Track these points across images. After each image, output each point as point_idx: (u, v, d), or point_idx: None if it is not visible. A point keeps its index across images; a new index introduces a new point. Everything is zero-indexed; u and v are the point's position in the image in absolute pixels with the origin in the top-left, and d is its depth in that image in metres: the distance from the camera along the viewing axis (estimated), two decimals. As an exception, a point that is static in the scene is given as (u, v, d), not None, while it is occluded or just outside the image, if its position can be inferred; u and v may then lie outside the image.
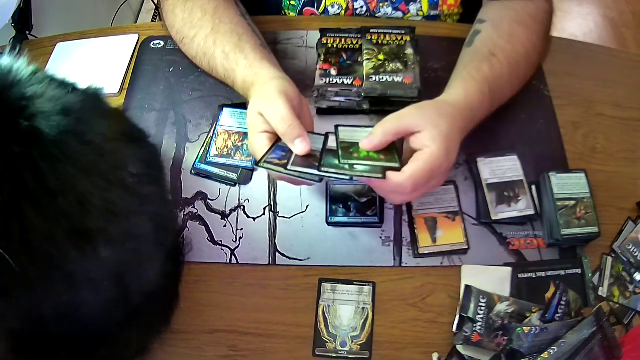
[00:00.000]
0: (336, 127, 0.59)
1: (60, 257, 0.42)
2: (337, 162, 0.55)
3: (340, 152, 0.56)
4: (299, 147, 0.55)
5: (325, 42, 0.76)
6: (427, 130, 0.55)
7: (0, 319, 0.44)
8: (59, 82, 0.47)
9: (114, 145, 0.48)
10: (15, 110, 0.41)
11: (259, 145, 0.57)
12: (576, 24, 2.03)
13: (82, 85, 0.52)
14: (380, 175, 0.53)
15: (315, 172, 0.54)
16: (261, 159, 0.55)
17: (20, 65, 0.44)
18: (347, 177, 0.54)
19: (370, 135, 0.56)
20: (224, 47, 0.68)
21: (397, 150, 0.56)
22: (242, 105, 0.72)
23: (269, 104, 0.57)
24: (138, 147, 0.54)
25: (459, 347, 0.57)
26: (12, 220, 0.39)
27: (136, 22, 1.91)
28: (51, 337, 0.48)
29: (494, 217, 0.64)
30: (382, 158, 0.55)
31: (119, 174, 0.46)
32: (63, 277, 0.43)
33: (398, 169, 0.54)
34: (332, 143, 0.58)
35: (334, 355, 0.58)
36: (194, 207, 0.67)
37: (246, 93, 0.65)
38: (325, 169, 0.54)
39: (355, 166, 0.54)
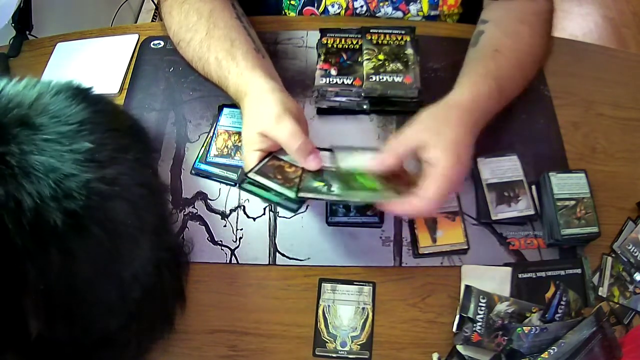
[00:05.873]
0: (332, 151, 0.60)
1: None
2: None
3: (339, 184, 0.56)
4: (312, 163, 0.56)
5: (325, 42, 0.76)
6: (433, 142, 0.55)
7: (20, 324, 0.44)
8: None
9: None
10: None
11: (253, 163, 0.58)
12: (576, 24, 2.03)
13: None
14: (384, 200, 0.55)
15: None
16: (257, 182, 0.56)
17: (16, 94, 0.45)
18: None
19: (378, 157, 0.57)
20: (217, 54, 0.68)
21: (395, 187, 0.57)
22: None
23: (274, 123, 0.57)
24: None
25: (459, 347, 0.57)
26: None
27: (136, 22, 1.91)
28: (56, 342, 0.48)
29: (494, 217, 0.64)
30: (379, 189, 0.56)
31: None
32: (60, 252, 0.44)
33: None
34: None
35: (334, 355, 0.58)
36: (194, 207, 0.67)
37: (238, 101, 0.66)
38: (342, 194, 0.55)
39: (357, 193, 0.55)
